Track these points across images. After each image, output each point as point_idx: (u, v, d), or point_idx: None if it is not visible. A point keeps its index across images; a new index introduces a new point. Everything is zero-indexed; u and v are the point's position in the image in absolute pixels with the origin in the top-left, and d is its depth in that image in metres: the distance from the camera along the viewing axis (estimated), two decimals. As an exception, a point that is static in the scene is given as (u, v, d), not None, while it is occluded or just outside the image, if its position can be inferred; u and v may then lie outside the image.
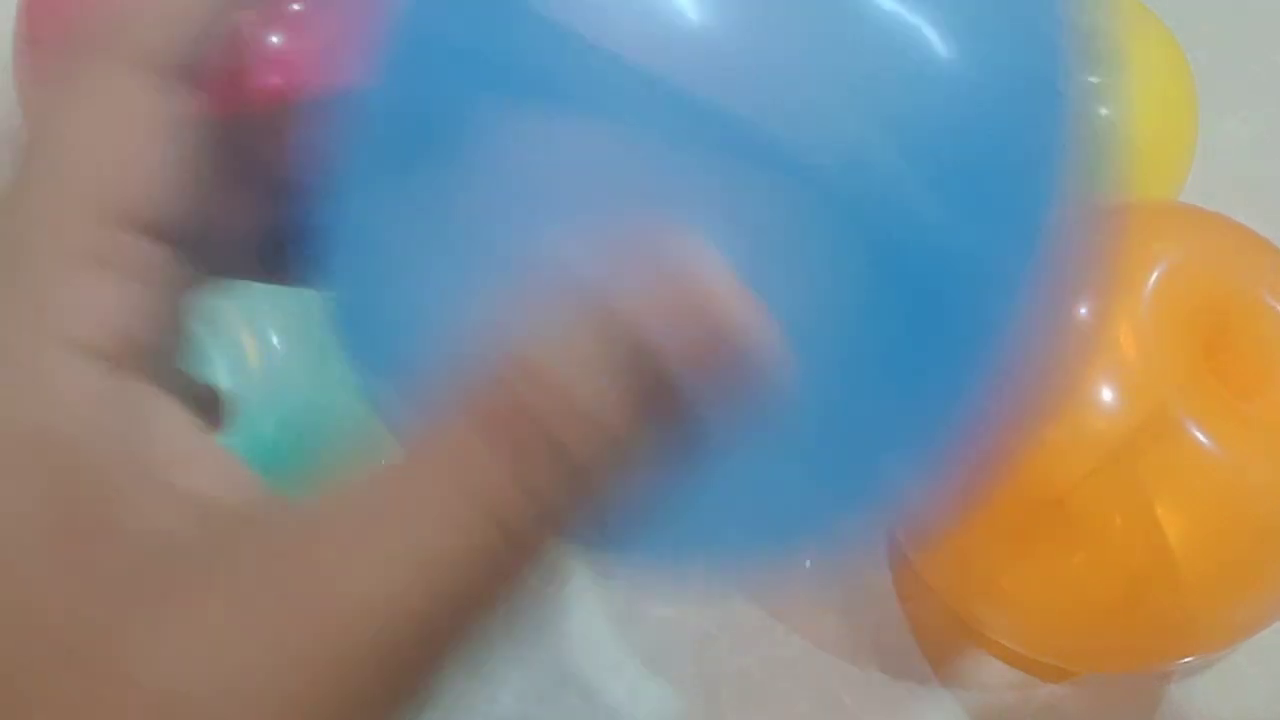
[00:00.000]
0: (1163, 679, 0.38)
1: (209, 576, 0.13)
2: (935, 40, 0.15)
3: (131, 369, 0.14)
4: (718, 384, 0.12)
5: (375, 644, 0.12)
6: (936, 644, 0.38)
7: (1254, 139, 0.50)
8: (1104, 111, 0.38)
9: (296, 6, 0.36)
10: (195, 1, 0.15)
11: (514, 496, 0.12)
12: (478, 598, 0.13)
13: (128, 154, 0.14)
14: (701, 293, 0.12)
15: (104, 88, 0.14)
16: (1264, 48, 0.52)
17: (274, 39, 0.36)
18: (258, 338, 0.31)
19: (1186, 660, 0.37)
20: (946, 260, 0.14)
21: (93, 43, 0.14)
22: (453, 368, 0.13)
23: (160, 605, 0.13)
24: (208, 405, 0.16)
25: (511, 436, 0.12)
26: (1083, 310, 0.30)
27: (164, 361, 0.15)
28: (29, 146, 0.14)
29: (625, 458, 0.12)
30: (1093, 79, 0.39)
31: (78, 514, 0.13)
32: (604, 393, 0.12)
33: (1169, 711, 0.37)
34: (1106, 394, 0.29)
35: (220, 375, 0.31)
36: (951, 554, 0.34)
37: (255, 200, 0.17)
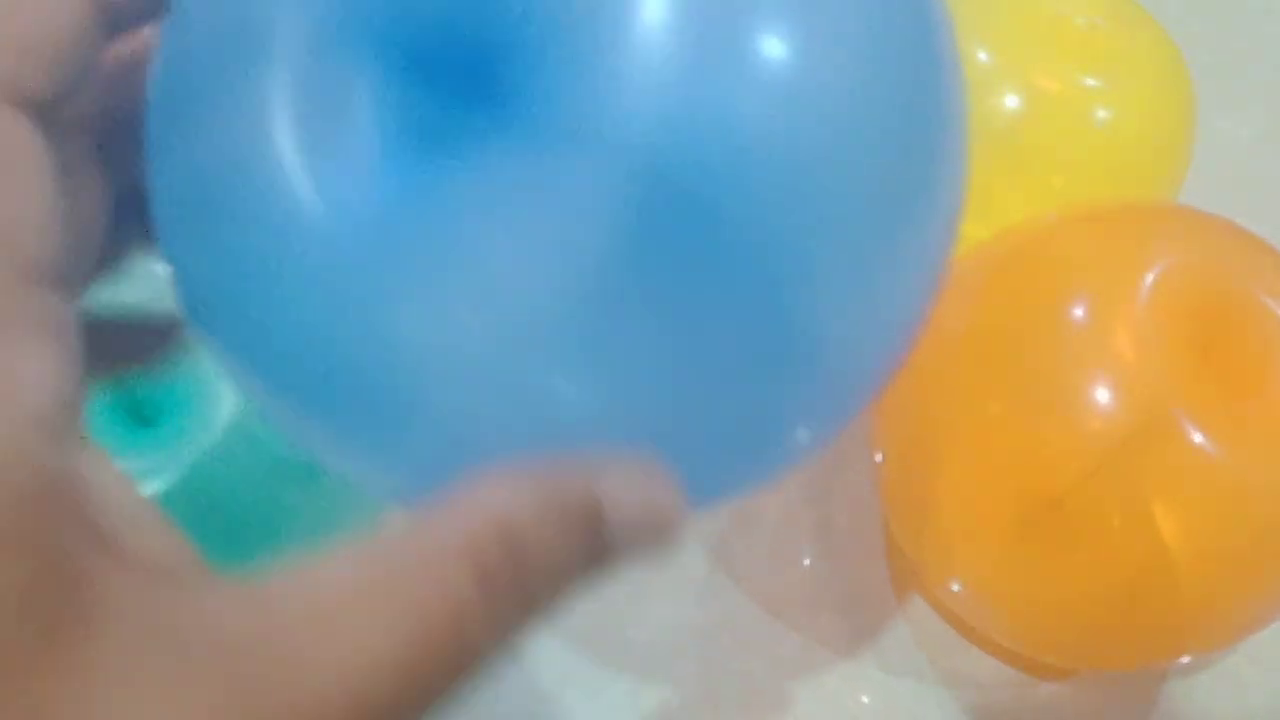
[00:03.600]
0: (1162, 679, 0.38)
1: (155, 643, 0.13)
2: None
3: (72, 434, 0.13)
4: (644, 547, 0.16)
5: None
6: (935, 642, 0.38)
7: (1253, 139, 0.50)
8: (1102, 114, 0.38)
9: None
10: (56, 30, 0.14)
11: (483, 625, 0.15)
12: (427, 697, 0.14)
13: (24, 205, 0.13)
14: (653, 501, 0.16)
15: None
16: (1264, 48, 0.52)
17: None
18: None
19: (1186, 660, 0.37)
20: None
21: None
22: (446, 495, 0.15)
23: (100, 664, 0.13)
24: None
25: (495, 579, 0.15)
26: (1078, 312, 0.30)
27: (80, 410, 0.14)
28: None
29: (570, 592, 0.16)
30: (1091, 81, 0.39)
31: (38, 584, 0.13)
32: (573, 555, 0.15)
33: (1169, 711, 0.38)
34: (1104, 395, 0.29)
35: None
36: (950, 553, 0.34)
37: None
